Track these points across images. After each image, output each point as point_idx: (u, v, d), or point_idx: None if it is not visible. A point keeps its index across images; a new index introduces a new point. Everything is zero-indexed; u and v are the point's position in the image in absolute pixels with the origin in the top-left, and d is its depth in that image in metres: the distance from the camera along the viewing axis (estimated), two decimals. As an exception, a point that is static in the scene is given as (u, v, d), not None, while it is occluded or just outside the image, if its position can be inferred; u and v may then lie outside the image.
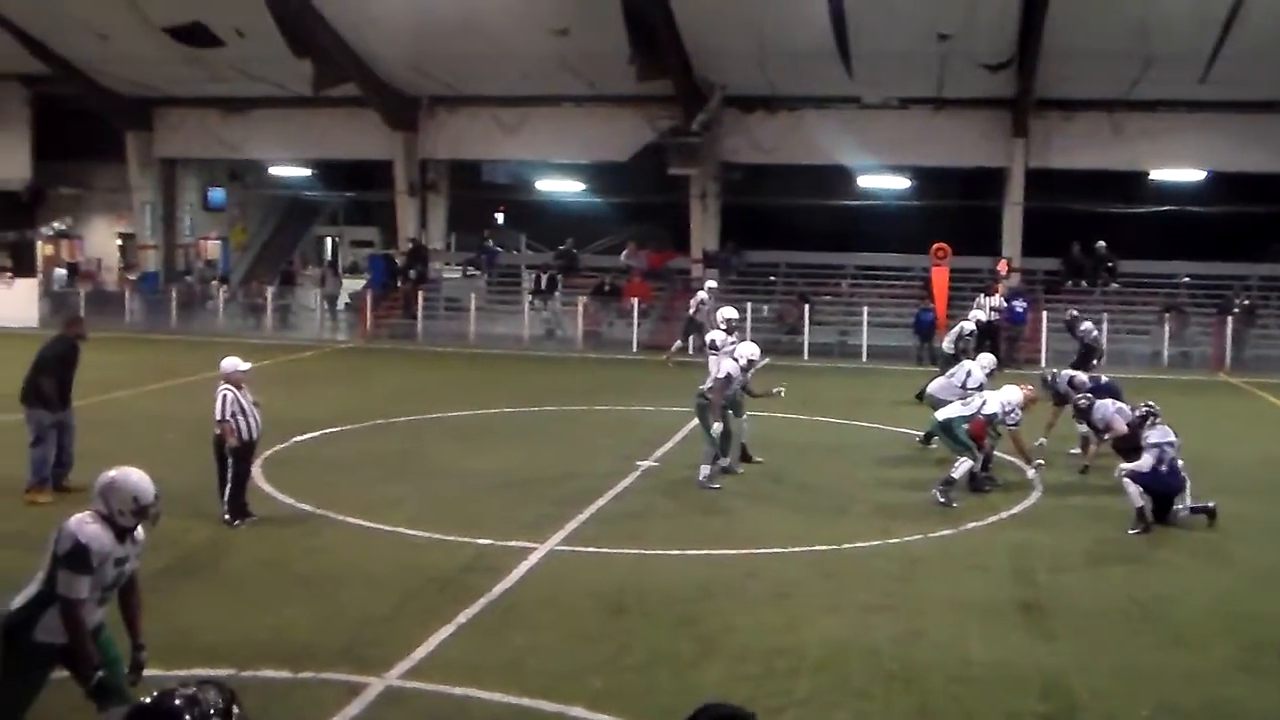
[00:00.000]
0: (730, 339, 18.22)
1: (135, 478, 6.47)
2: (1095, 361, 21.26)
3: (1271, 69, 28.16)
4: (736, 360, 15.10)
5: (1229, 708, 8.31)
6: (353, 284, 40.29)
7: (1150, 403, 14.05)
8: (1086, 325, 22.38)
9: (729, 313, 19.01)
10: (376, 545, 11.81)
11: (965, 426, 14.33)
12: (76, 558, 6.19)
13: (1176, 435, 13.34)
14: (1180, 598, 10.66)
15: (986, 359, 17.42)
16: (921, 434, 17.38)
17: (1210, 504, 13.11)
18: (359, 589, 10.31)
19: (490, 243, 38.81)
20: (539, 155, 37.62)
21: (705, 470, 14.54)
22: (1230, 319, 29.73)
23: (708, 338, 19.36)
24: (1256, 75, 28.51)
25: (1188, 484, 13.14)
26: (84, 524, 6.30)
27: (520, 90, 33.34)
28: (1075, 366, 19.59)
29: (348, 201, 47.36)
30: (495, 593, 10.23)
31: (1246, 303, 30.93)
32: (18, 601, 6.34)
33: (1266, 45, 27.11)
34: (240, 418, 12.34)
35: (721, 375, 14.89)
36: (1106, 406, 15.30)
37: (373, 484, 14.45)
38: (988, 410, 14.47)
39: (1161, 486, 12.92)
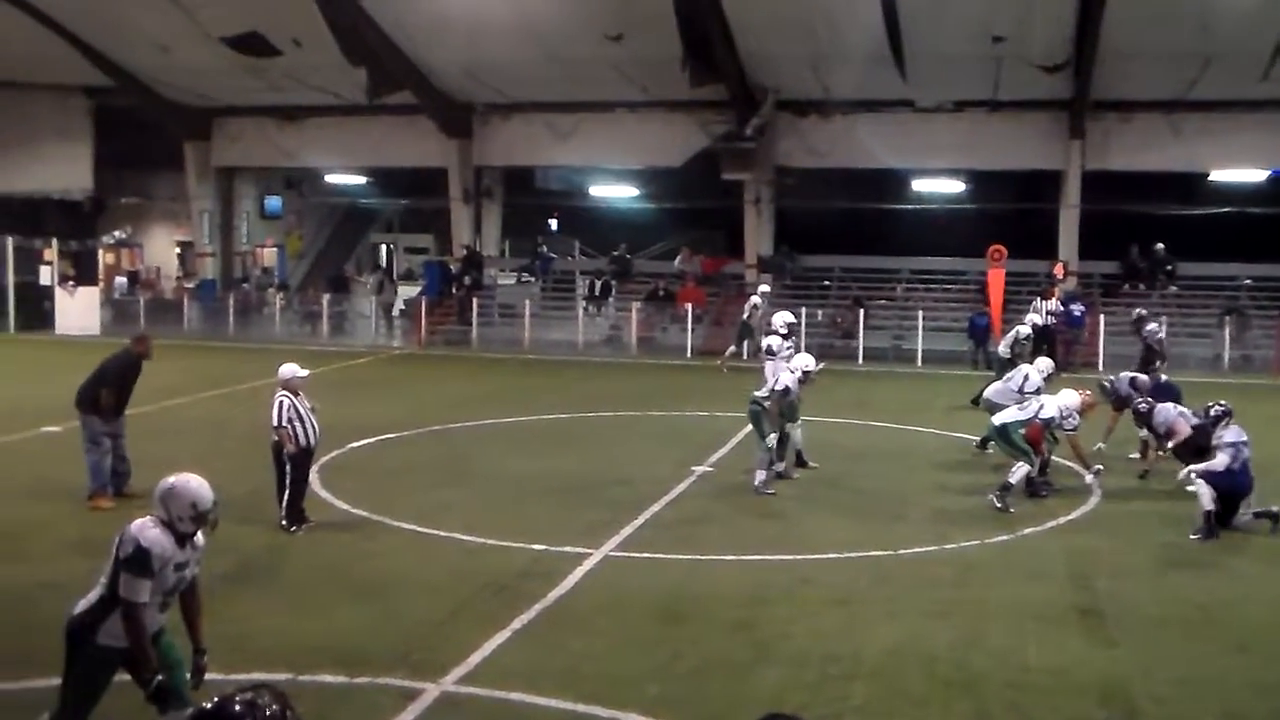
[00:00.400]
0: (787, 344, 18.19)
1: (194, 484, 6.56)
2: (1157, 364, 20.96)
3: (1335, 66, 27.69)
4: (793, 372, 15.07)
5: (1296, 717, 8.18)
6: (407, 291, 40.56)
7: (1223, 402, 13.77)
8: (1152, 326, 22.08)
9: (786, 317, 18.93)
10: (432, 551, 11.87)
11: (1022, 431, 14.20)
12: (138, 561, 6.28)
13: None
14: (1244, 604, 10.50)
15: (1044, 363, 17.22)
16: (978, 439, 17.24)
17: (1275, 508, 12.89)
18: (415, 594, 10.37)
19: (544, 249, 38.86)
20: (592, 161, 37.66)
21: (760, 476, 14.50)
22: (1293, 321, 29.24)
23: (764, 343, 19.31)
24: (1319, 73, 28.04)
25: (1254, 486, 12.95)
26: (145, 528, 6.40)
27: (574, 96, 33.42)
28: (1138, 369, 19.30)
29: (403, 209, 47.69)
30: (550, 598, 10.25)
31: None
32: (81, 605, 6.44)
33: (1329, 43, 26.68)
34: (298, 424, 12.41)
35: (780, 388, 14.84)
36: (1168, 410, 14.89)
37: (428, 490, 14.53)
38: (1045, 415, 14.30)
39: (1233, 486, 12.73)
